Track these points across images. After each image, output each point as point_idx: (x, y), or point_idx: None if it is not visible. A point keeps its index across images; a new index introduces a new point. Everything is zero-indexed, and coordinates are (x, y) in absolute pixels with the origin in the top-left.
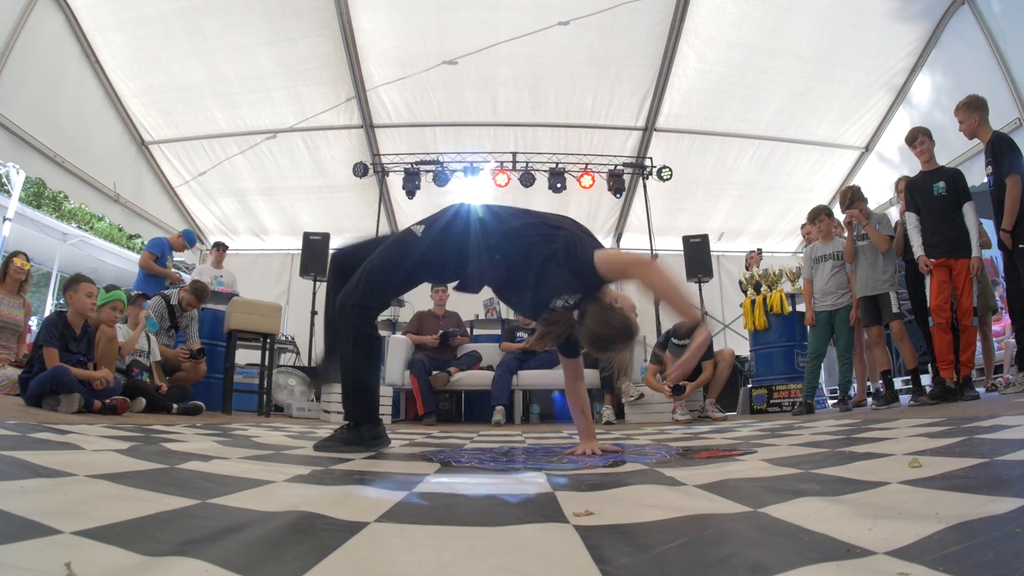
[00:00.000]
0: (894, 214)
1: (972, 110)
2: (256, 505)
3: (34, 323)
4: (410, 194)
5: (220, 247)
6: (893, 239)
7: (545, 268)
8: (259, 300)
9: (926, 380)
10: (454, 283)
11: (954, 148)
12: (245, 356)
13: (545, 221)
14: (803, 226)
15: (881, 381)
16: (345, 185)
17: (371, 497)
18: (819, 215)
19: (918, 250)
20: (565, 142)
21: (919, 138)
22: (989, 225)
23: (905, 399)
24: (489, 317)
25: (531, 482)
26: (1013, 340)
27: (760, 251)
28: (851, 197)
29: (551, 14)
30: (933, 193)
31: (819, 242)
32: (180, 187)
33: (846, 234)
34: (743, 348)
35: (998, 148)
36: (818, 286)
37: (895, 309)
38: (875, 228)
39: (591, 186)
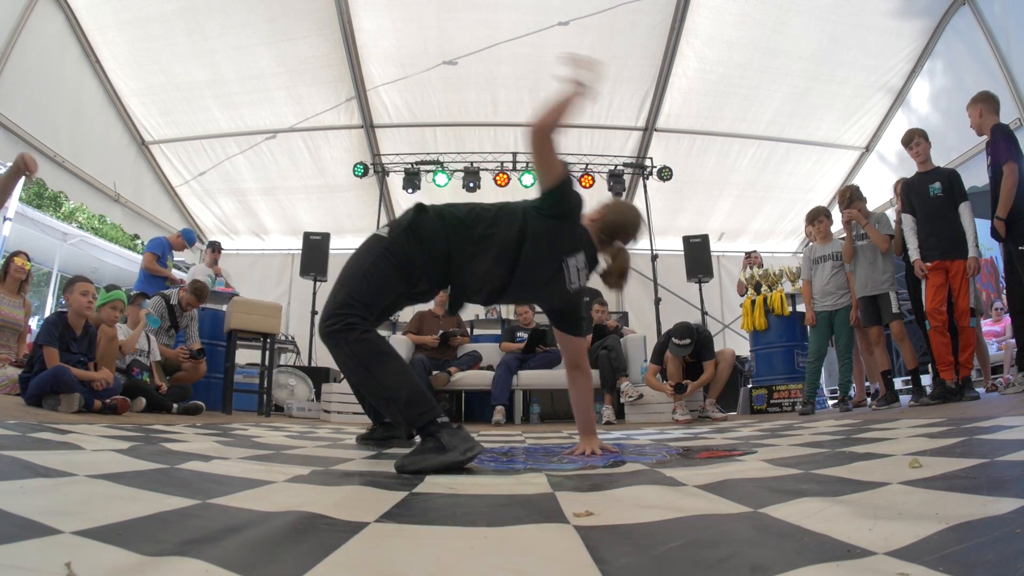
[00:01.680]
0: (892, 215)
1: (975, 103)
2: (256, 505)
3: (34, 323)
4: (411, 193)
5: (215, 248)
6: (892, 238)
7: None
8: (259, 300)
9: (926, 380)
10: (444, 289)
11: (952, 149)
12: (245, 356)
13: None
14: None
15: (881, 381)
16: (345, 185)
17: (371, 497)
18: (818, 216)
19: (914, 253)
20: (565, 142)
21: (915, 139)
22: (983, 226)
23: (905, 399)
24: (489, 317)
25: (531, 482)
26: (1013, 340)
27: (748, 255)
28: (850, 196)
29: (551, 14)
30: (929, 194)
31: (818, 243)
32: (180, 187)
33: (844, 234)
34: (743, 348)
35: (996, 138)
36: (818, 287)
37: (895, 309)
38: (874, 228)
39: (591, 186)
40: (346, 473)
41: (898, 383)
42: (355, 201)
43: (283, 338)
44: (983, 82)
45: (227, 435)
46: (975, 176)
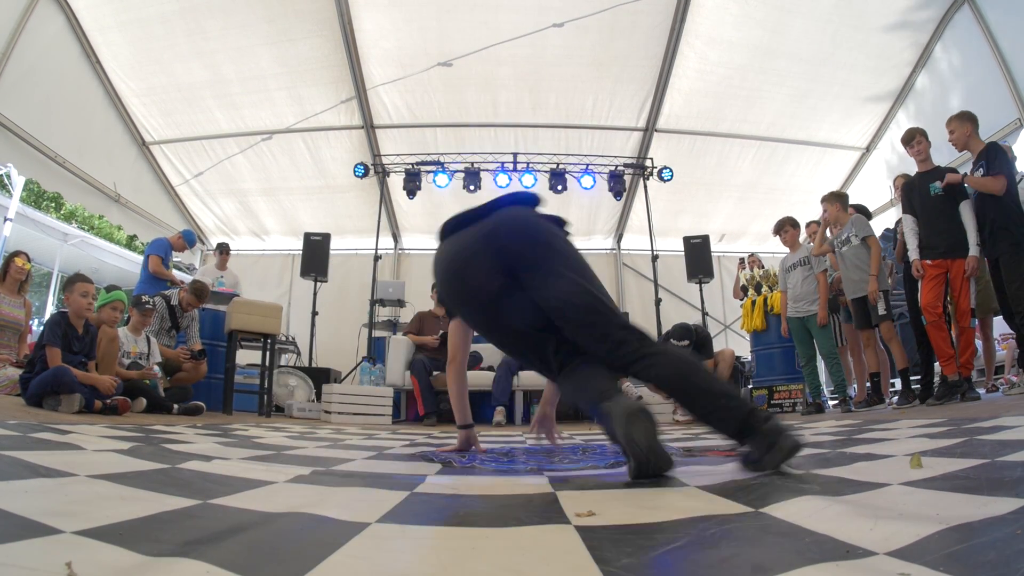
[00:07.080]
0: (895, 214)
1: (965, 120)
2: (257, 506)
3: (35, 324)
4: (411, 194)
5: (224, 249)
6: (871, 237)
7: None
8: (260, 300)
9: (920, 381)
10: None
11: (952, 149)
12: (246, 356)
13: None
14: (808, 224)
15: (869, 382)
16: (346, 185)
17: (371, 497)
18: (783, 227)
19: (913, 253)
20: (566, 143)
21: (916, 138)
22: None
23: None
24: None
25: (532, 483)
26: (1015, 341)
27: (742, 260)
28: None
29: (551, 15)
30: (930, 193)
31: (789, 252)
32: (180, 187)
33: (830, 233)
34: (744, 348)
35: (993, 153)
36: (790, 293)
37: (882, 311)
38: (856, 236)
39: (592, 187)
40: (347, 474)
41: (897, 384)
42: (355, 201)
43: (283, 338)
44: (983, 83)
45: (228, 435)
46: None
